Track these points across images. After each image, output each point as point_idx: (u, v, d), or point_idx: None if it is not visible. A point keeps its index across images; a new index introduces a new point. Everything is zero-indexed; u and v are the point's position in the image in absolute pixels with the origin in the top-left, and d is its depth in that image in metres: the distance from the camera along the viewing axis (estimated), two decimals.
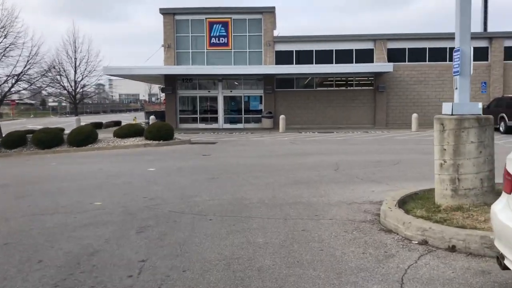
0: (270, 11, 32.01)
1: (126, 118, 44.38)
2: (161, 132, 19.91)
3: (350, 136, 23.96)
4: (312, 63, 31.45)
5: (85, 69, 41.01)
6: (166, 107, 33.23)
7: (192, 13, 32.27)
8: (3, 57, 26.08)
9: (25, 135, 19.16)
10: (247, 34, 32.22)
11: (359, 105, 31.75)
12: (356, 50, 31.74)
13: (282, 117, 28.12)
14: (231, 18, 32.09)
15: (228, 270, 4.53)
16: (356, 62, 31.17)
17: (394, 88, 31.43)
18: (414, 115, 27.53)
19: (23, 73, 27.29)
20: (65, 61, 40.33)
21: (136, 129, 21.12)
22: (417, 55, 31.50)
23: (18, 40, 26.36)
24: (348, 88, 32.13)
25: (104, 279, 4.38)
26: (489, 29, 36.08)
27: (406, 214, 5.77)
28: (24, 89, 31.00)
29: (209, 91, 32.85)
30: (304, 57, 31.92)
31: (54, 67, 37.03)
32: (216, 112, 32.66)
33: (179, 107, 32.83)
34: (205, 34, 32.18)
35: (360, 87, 32.03)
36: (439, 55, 31.26)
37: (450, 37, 29.88)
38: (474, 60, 6.66)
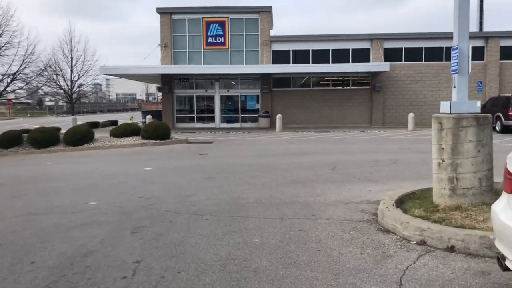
0: (267, 11, 31.93)
1: (123, 118, 44.22)
2: (157, 132, 19.81)
3: (347, 135, 23.92)
4: (309, 63, 31.40)
5: (82, 68, 40.99)
6: (163, 107, 33.12)
7: (189, 13, 32.16)
8: None
9: (20, 135, 19.01)
10: (244, 33, 32.14)
11: (355, 105, 31.72)
12: (352, 49, 31.72)
13: (279, 116, 28.06)
14: (228, 17, 32.01)
15: (224, 271, 4.45)
16: (352, 62, 31.13)
17: (391, 88, 31.42)
18: (411, 115, 27.53)
19: (19, 72, 27.18)
20: (62, 60, 40.31)
21: (132, 128, 21.00)
22: (413, 54, 31.50)
23: (14, 39, 26.28)
24: (345, 87, 32.09)
25: (97, 281, 4.30)
26: (485, 29, 36.15)
27: (404, 214, 5.71)
28: (20, 88, 30.89)
29: (206, 91, 32.76)
30: (301, 57, 31.87)
31: (50, 66, 36.93)
32: (213, 111, 32.58)
33: (176, 106, 32.73)
34: (202, 34, 32.09)
35: (356, 87, 32.00)
36: (436, 54, 31.27)
37: (446, 36, 29.95)
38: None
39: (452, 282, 4.08)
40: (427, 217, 5.57)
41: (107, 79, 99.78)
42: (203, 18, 31.97)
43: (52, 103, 73.03)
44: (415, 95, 31.42)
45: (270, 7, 31.97)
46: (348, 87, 32.04)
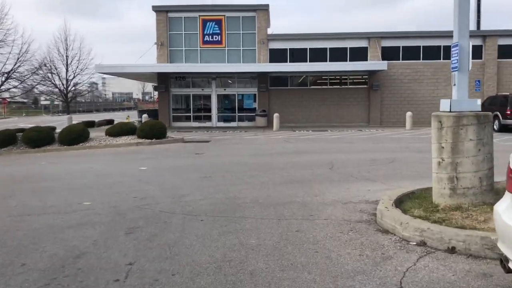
0: (264, 9, 31.81)
1: (119, 117, 44.04)
2: (153, 131, 19.68)
3: (345, 134, 23.83)
4: (306, 61, 31.29)
5: (77, 67, 40.72)
6: (159, 106, 32.97)
7: (185, 11, 32.00)
8: None
9: (15, 134, 18.83)
10: (241, 32, 32.00)
11: (353, 104, 31.64)
12: (350, 48, 31.62)
13: (276, 115, 27.96)
14: (224, 15, 31.87)
15: (219, 274, 4.34)
16: (350, 60, 31.05)
17: (388, 87, 31.34)
18: (408, 113, 27.46)
19: (13, 70, 26.97)
20: (57, 59, 40.02)
21: (128, 127, 20.85)
22: (411, 53, 31.44)
23: (8, 37, 26.07)
24: (342, 86, 32.00)
25: (89, 284, 4.18)
26: (482, 28, 36.13)
27: (403, 214, 5.61)
28: (15, 87, 30.68)
29: (202, 89, 32.62)
30: (298, 55, 31.75)
31: (45, 65, 36.68)
32: (209, 110, 32.44)
33: (172, 105, 32.59)
34: (198, 32, 31.94)
35: (354, 86, 31.92)
36: (433, 53, 31.22)
37: (444, 35, 29.96)
38: None
39: (454, 285, 3.98)
40: (427, 217, 5.47)
41: (103, 78, 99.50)
42: (199, 16, 31.82)
43: (48, 102, 72.72)
44: (413, 94, 31.37)
45: (267, 5, 31.85)
46: (346, 86, 31.95)
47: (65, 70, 40.22)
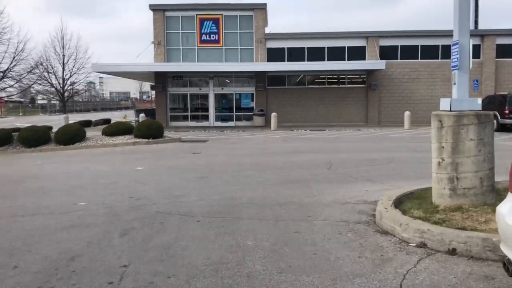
0: (261, 8, 31.69)
1: (116, 116, 43.91)
2: (150, 130, 19.56)
3: (343, 134, 23.76)
4: (304, 61, 31.19)
5: (74, 66, 40.58)
6: (157, 105, 32.84)
7: (182, 10, 31.86)
8: None
9: (11, 133, 18.67)
10: (238, 31, 31.89)
11: (351, 103, 31.56)
12: (348, 47, 31.54)
13: (273, 114, 27.87)
14: (222, 14, 31.74)
15: (215, 276, 4.24)
16: (348, 60, 30.97)
17: (387, 86, 31.28)
18: (407, 113, 27.41)
19: (9, 69, 26.80)
20: (53, 58, 39.88)
21: (125, 127, 20.73)
22: (409, 52, 31.38)
23: (4, 36, 25.89)
24: (340, 85, 31.91)
25: (82, 287, 4.08)
26: (480, 27, 36.10)
27: (403, 215, 5.52)
28: (11, 86, 30.51)
29: (200, 89, 32.51)
30: (296, 55, 31.66)
31: (41, 64, 36.51)
32: (207, 110, 32.33)
33: (170, 104, 32.46)
34: (195, 31, 31.81)
35: (352, 85, 31.84)
36: (431, 52, 31.16)
37: (442, 34, 29.93)
38: None
39: None
40: (426, 218, 5.38)
41: (100, 77, 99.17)
42: (196, 15, 31.69)
43: (45, 102, 72.51)
44: (411, 93, 31.31)
45: (265, 4, 31.73)
46: (344, 85, 31.87)
47: (61, 69, 40.10)
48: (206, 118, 32.24)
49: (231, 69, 30.64)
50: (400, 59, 31.32)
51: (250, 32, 31.77)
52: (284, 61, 31.43)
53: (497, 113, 23.22)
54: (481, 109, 5.92)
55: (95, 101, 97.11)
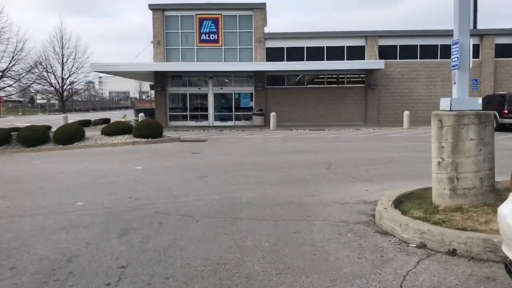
0: (260, 7, 31.65)
1: (116, 116, 43.87)
2: (150, 130, 19.53)
3: (342, 133, 23.73)
4: (303, 60, 31.16)
5: (73, 65, 40.49)
6: (156, 105, 32.80)
7: (181, 9, 31.83)
8: None
9: (10, 133, 18.64)
10: (238, 30, 31.85)
11: (350, 102, 31.53)
12: (347, 47, 31.51)
13: (273, 114, 27.84)
14: (221, 14, 31.70)
15: (214, 277, 4.21)
16: (347, 59, 30.94)
17: (386, 85, 31.26)
18: (406, 112, 27.38)
19: (8, 69, 26.74)
20: (52, 58, 39.78)
21: (124, 126, 20.70)
22: (408, 52, 31.35)
23: (3, 35, 25.83)
24: (340, 85, 31.89)
25: None
26: (479, 27, 36.10)
27: (402, 215, 5.48)
28: (10, 85, 30.46)
29: (199, 88, 32.48)
30: (295, 54, 31.62)
31: (40, 63, 36.44)
32: (206, 109, 32.29)
33: (169, 104, 32.42)
34: (195, 31, 31.77)
35: (351, 84, 31.82)
36: (431, 52, 31.14)
37: (441, 34, 29.92)
38: None
39: None
40: (426, 218, 5.35)
41: (100, 77, 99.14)
42: (196, 14, 31.65)
43: (44, 101, 72.43)
44: (410, 93, 31.28)
45: (264, 4, 31.69)
46: (343, 85, 31.84)
47: (60, 69, 39.99)
48: (205, 117, 32.20)
49: (231, 69, 30.60)
50: (399, 58, 31.30)
51: (250, 32, 31.72)
52: (283, 60, 31.39)
53: (496, 113, 23.21)
54: (481, 108, 5.89)
55: (95, 100, 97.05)
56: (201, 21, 31.67)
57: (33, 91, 44.46)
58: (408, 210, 5.76)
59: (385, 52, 31.00)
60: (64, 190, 8.86)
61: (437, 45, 30.88)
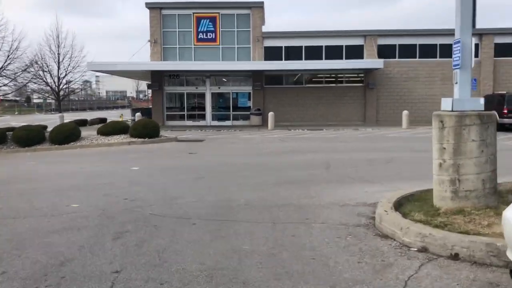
0: (258, 6, 31.51)
1: (112, 115, 43.67)
2: (146, 130, 19.39)
3: (341, 133, 23.63)
4: (302, 59, 31.03)
5: (69, 64, 40.29)
6: (153, 104, 32.64)
7: (179, 8, 31.66)
8: None
9: (5, 133, 18.46)
10: (236, 29, 31.70)
11: (349, 102, 31.43)
12: (346, 46, 31.39)
13: (271, 114, 27.72)
14: (219, 13, 31.55)
15: (210, 283, 4.09)
16: (346, 59, 30.81)
17: (385, 85, 31.15)
18: (405, 112, 27.27)
19: (3, 68, 26.57)
20: (48, 57, 39.56)
21: (121, 126, 20.56)
22: (407, 51, 31.25)
23: None
24: (338, 85, 31.78)
25: None
26: (478, 26, 35.97)
27: (403, 218, 5.37)
28: (5, 85, 30.28)
29: (196, 88, 32.33)
30: (293, 53, 31.50)
31: (36, 62, 36.24)
32: (203, 109, 32.13)
33: (166, 104, 32.26)
34: (192, 29, 31.61)
35: (350, 84, 31.71)
36: (430, 51, 31.05)
37: (440, 33, 29.83)
38: None
39: None
40: (428, 221, 5.24)
41: (96, 76, 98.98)
42: (193, 13, 31.49)
43: (41, 101, 72.13)
44: (409, 93, 31.18)
45: (262, 3, 31.56)
46: (342, 85, 31.74)
47: (56, 68, 39.80)
48: (202, 117, 32.05)
49: (228, 68, 30.44)
50: (398, 58, 31.20)
51: (247, 31, 31.58)
52: (282, 60, 31.26)
53: (495, 113, 23.15)
54: (483, 109, 5.78)
55: (91, 100, 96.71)
56: (198, 19, 31.51)
57: (29, 90, 44.26)
58: (409, 213, 5.65)
59: (384, 52, 30.89)
60: (59, 192, 8.73)
61: (436, 45, 30.78)
